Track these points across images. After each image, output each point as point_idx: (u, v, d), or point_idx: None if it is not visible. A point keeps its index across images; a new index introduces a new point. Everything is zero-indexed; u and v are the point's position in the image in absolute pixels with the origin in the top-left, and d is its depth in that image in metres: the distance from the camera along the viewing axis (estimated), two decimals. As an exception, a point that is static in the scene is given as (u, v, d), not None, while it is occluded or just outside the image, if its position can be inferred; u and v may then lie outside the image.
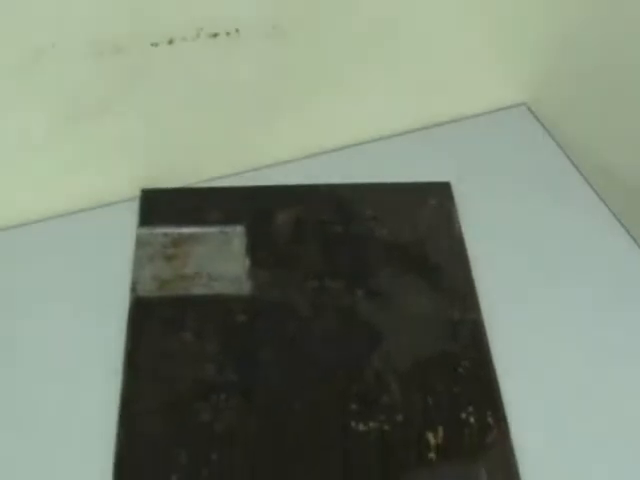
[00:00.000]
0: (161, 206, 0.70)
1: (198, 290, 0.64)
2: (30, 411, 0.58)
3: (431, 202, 0.72)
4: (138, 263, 0.65)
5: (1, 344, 0.62)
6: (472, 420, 0.58)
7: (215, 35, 0.66)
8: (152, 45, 0.65)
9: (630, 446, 0.58)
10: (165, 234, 0.68)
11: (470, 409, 0.59)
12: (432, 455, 0.56)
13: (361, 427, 0.57)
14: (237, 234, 0.68)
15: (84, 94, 0.65)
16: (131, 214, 0.69)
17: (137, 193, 0.71)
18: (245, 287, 0.65)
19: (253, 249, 0.67)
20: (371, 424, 0.58)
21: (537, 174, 0.76)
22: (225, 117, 0.71)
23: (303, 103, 0.73)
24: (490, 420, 0.58)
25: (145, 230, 0.68)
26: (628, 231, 0.71)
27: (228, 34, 0.66)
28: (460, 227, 0.70)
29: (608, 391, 0.61)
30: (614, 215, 0.72)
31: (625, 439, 0.58)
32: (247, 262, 0.66)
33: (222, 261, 0.66)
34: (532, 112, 0.82)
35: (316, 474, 0.55)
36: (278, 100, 0.72)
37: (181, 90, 0.68)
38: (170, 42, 0.65)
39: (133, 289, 0.64)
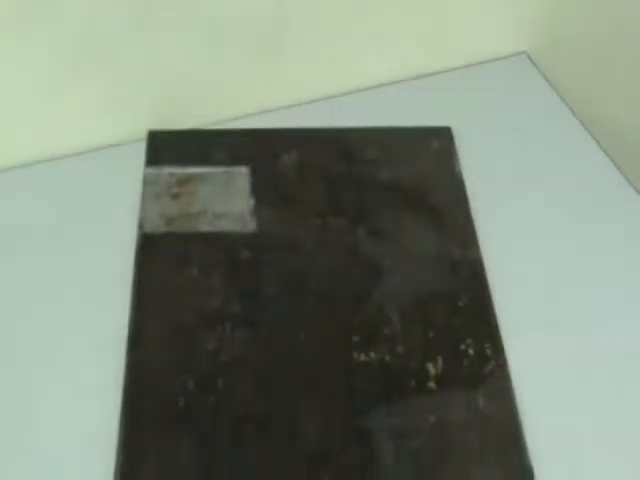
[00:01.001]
0: (167, 147, 0.70)
1: (203, 227, 0.65)
2: (42, 340, 0.59)
3: (432, 146, 0.72)
4: (145, 201, 0.66)
5: (10, 279, 0.62)
6: (471, 351, 0.59)
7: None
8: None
9: (631, 368, 0.59)
10: (171, 174, 0.68)
11: (469, 341, 0.59)
12: (432, 384, 0.57)
13: (363, 357, 0.58)
14: (241, 174, 0.69)
15: (89, 36, 0.65)
16: (138, 155, 0.70)
17: (144, 135, 0.71)
18: (249, 225, 0.65)
19: (257, 189, 0.68)
20: (372, 354, 0.58)
21: (536, 121, 0.76)
22: (231, 61, 0.71)
23: (307, 48, 0.73)
24: (488, 352, 0.59)
25: (152, 170, 0.68)
26: (626, 177, 0.71)
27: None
28: (460, 169, 0.70)
29: (609, 317, 0.62)
30: (612, 160, 0.72)
31: (625, 362, 0.59)
32: (251, 201, 0.67)
33: (227, 200, 0.67)
34: (532, 61, 0.82)
35: (319, 401, 0.56)
36: (283, 43, 0.72)
37: (187, 32, 0.68)
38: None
39: (140, 226, 0.64)
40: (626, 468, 0.54)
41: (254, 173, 0.69)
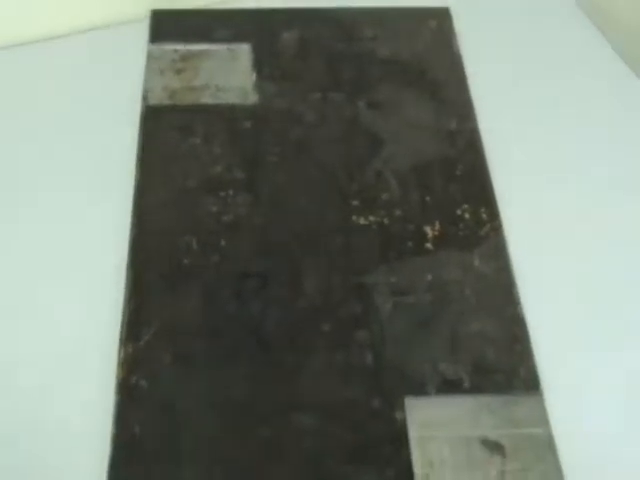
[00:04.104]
0: (170, 25, 0.68)
1: (206, 100, 0.63)
2: (52, 206, 0.58)
3: (431, 24, 0.70)
4: (149, 76, 0.64)
5: (18, 153, 0.61)
6: (467, 216, 0.58)
7: None
8: None
9: (620, 247, 0.58)
10: (175, 50, 0.66)
11: (465, 206, 0.58)
12: (429, 245, 0.56)
13: (362, 221, 0.57)
14: (243, 51, 0.66)
15: None
16: (141, 33, 0.67)
17: (147, 15, 0.68)
18: (251, 98, 0.63)
19: (259, 65, 0.66)
20: (371, 218, 0.57)
21: (536, 6, 0.74)
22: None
23: None
24: (484, 216, 0.58)
25: (155, 46, 0.66)
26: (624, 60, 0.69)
27: None
28: (458, 47, 0.68)
29: (601, 173, 0.61)
30: (611, 43, 0.70)
31: (613, 238, 0.58)
32: (253, 76, 0.65)
33: (229, 75, 0.65)
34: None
35: (319, 260, 0.55)
36: None
37: None
38: None
39: (145, 98, 0.63)
40: (614, 314, 0.53)
41: (256, 50, 0.67)
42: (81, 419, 0.48)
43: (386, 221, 0.57)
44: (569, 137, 0.63)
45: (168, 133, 0.61)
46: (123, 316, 0.51)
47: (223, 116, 0.62)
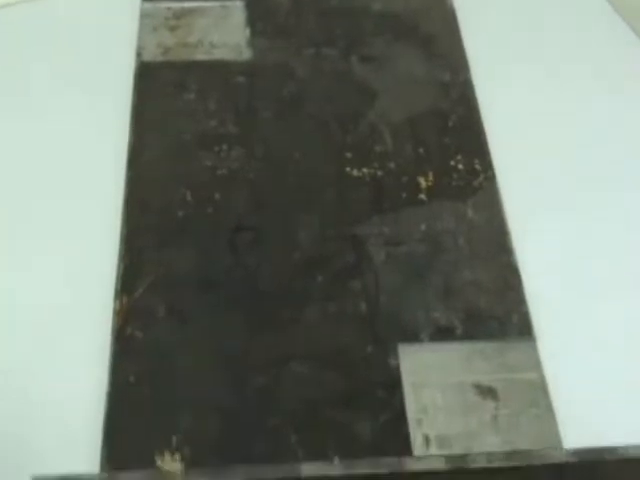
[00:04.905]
0: (163, -17, 0.67)
1: (200, 56, 0.62)
2: (46, 158, 0.57)
3: (425, -20, 0.68)
4: (143, 33, 0.63)
5: (15, 107, 0.60)
6: (460, 166, 0.57)
7: None
8: None
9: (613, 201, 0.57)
10: (168, 8, 0.65)
11: (459, 157, 0.57)
12: (423, 196, 0.55)
13: (355, 172, 0.56)
14: (237, 8, 0.66)
15: None
16: (134, -8, 0.66)
17: (140, -28, 0.67)
18: (245, 53, 0.63)
19: (253, 21, 0.65)
20: (365, 170, 0.56)
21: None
22: None
23: None
24: (477, 167, 0.57)
25: (149, 4, 0.65)
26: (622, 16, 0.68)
27: None
28: (452, 3, 0.67)
29: (593, 137, 0.60)
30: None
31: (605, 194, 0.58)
32: (247, 32, 0.64)
33: (223, 31, 0.64)
34: None
35: (314, 212, 0.54)
36: None
37: None
38: None
39: (138, 54, 0.62)
40: (607, 260, 0.53)
41: (249, 6, 0.66)
42: (77, 369, 0.47)
43: (379, 173, 0.56)
44: (563, 89, 0.63)
45: (162, 89, 0.60)
46: (118, 268, 0.51)
47: (217, 72, 0.61)
